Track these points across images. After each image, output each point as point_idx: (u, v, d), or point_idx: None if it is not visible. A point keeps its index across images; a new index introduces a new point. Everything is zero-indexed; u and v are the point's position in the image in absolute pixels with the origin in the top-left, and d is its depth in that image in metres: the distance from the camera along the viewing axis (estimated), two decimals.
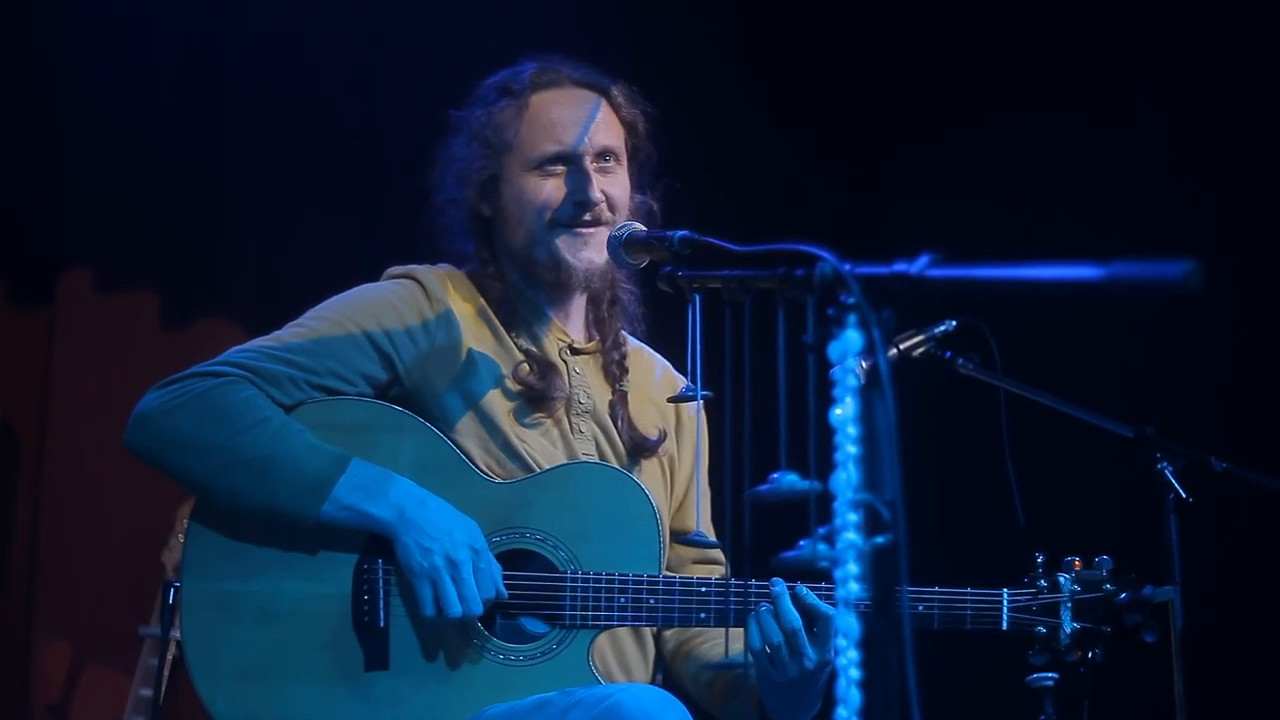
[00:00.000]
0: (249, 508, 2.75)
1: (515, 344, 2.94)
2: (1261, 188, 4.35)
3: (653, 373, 3.12)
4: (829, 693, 2.22)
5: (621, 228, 2.74)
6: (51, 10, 4.53)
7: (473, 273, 2.99)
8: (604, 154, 2.94)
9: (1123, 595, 2.92)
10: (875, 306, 1.80)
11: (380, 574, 2.76)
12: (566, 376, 2.97)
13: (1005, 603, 2.88)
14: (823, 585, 2.74)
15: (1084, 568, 2.94)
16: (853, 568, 1.77)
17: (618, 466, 2.92)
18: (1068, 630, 2.90)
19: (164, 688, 4.14)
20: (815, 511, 1.83)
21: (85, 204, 4.58)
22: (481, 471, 2.83)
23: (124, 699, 4.29)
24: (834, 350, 1.80)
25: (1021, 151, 4.61)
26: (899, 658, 1.75)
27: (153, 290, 4.63)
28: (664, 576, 2.80)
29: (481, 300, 2.96)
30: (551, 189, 2.92)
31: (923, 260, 1.81)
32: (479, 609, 2.72)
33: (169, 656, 4.13)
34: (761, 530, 2.10)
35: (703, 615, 2.79)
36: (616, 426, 2.98)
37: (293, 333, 2.85)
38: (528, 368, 2.91)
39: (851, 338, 1.80)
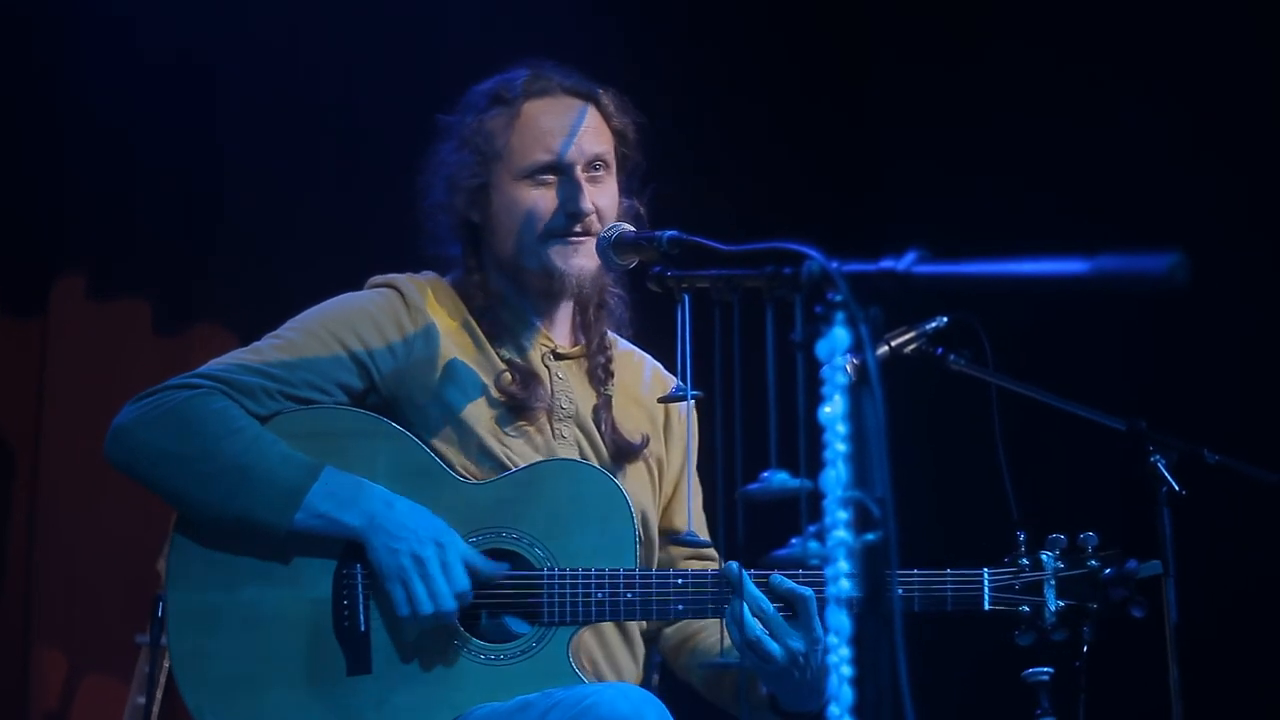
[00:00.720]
0: (226, 518, 2.75)
1: (498, 354, 2.93)
2: (1259, 184, 4.35)
3: (642, 374, 3.12)
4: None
5: (610, 229, 2.74)
6: (44, 15, 4.52)
7: (457, 280, 2.99)
8: (594, 162, 2.93)
9: (1108, 570, 2.89)
10: (863, 304, 1.80)
11: (359, 579, 2.76)
12: (549, 382, 2.96)
13: (986, 582, 2.86)
14: (799, 572, 2.73)
15: (1068, 545, 2.90)
16: (844, 565, 1.77)
17: (591, 463, 2.91)
18: (1053, 608, 2.88)
19: (159, 696, 4.14)
20: (806, 510, 1.84)
21: (78, 211, 4.56)
22: (458, 475, 2.83)
23: (122, 706, 4.29)
24: (822, 348, 1.80)
25: (1021, 151, 4.61)
26: (890, 654, 1.75)
27: (146, 297, 4.62)
28: (640, 570, 2.80)
29: (464, 309, 2.96)
30: (543, 199, 2.91)
31: (909, 257, 1.81)
32: (450, 604, 2.72)
33: (163, 664, 4.13)
34: (752, 529, 2.10)
35: (680, 607, 2.78)
36: (600, 430, 2.97)
37: (270, 345, 2.86)
38: (510, 378, 2.91)
39: (839, 335, 1.80)
